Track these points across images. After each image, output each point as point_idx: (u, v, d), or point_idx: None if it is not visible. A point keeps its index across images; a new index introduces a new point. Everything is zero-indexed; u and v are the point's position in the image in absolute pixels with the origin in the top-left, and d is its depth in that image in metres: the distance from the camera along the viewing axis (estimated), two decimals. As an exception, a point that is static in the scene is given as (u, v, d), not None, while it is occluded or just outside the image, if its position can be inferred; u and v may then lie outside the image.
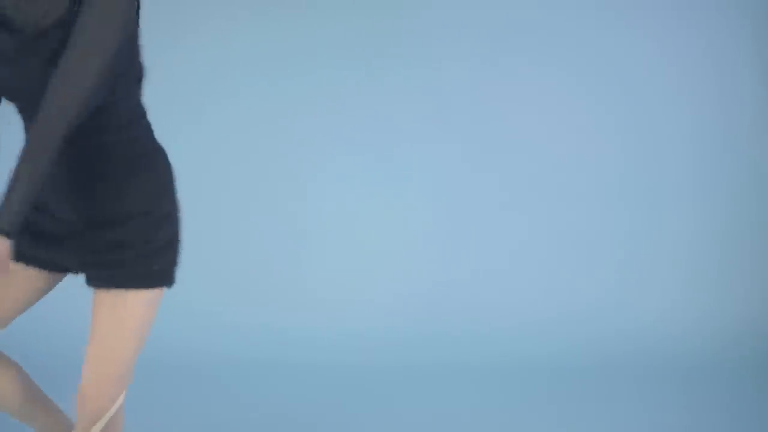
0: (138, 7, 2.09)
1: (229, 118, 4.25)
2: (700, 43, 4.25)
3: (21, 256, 2.25)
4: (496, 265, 4.23)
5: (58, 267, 2.26)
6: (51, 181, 2.18)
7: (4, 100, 2.40)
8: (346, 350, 3.96)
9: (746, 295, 4.23)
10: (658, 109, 4.27)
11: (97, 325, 2.12)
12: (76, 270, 2.24)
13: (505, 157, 4.26)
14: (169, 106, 4.24)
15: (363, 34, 4.20)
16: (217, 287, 4.24)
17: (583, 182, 4.26)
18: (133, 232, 2.15)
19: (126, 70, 2.09)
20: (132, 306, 2.13)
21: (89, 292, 4.18)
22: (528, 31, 4.22)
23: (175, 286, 4.17)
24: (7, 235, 1.96)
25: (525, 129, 4.25)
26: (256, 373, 3.85)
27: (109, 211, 2.15)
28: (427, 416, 3.40)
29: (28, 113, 2.12)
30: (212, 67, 4.19)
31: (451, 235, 4.25)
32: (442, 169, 4.26)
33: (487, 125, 4.25)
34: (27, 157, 1.96)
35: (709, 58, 4.26)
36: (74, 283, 4.21)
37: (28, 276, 2.25)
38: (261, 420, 3.33)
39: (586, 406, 3.53)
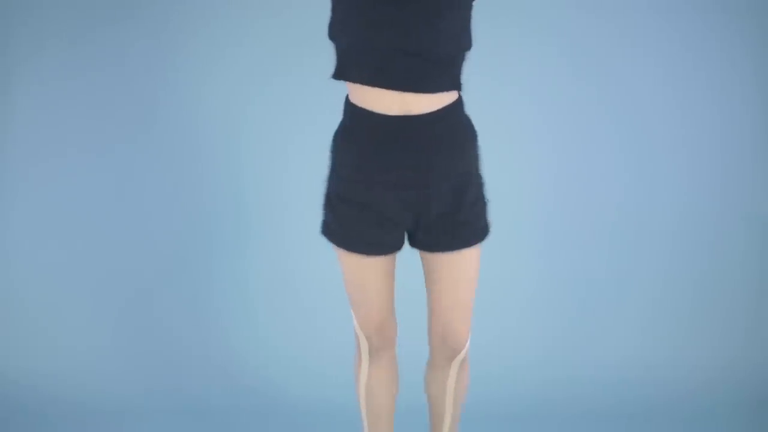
0: None
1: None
2: (693, 83, 4.21)
3: (375, 248, 2.54)
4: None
5: (401, 245, 2.59)
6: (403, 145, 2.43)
7: None
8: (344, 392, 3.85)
9: (719, 341, 4.19)
10: (643, 149, 4.22)
11: (443, 281, 2.56)
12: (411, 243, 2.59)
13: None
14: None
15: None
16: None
17: (553, 221, 4.21)
18: (472, 193, 2.51)
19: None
20: (471, 259, 2.57)
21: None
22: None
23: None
24: None
25: (502, 170, 4.19)
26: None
27: (456, 172, 2.48)
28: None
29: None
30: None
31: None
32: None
33: None
34: None
35: (708, 104, 4.21)
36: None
37: (386, 263, 2.59)
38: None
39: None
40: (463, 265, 2.57)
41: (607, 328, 4.17)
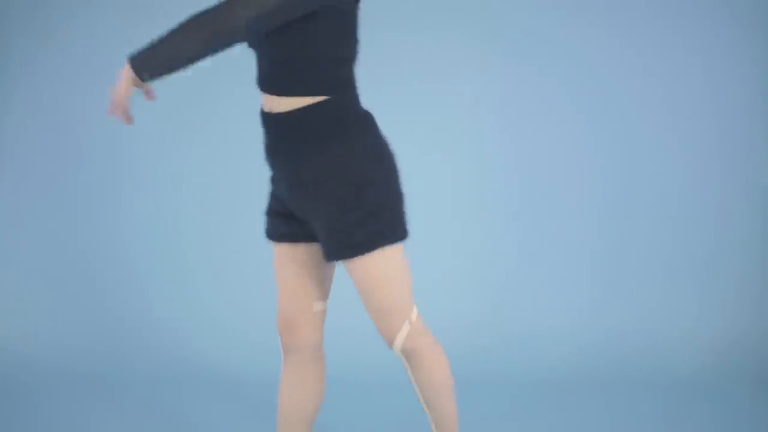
0: None
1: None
2: (693, 54, 4.24)
3: (271, 234, 2.52)
4: (474, 279, 4.24)
5: (306, 238, 2.50)
6: (272, 149, 2.40)
7: None
8: (339, 365, 3.99)
9: (730, 309, 4.21)
10: (645, 120, 4.26)
11: (355, 286, 2.45)
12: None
13: (486, 168, 4.28)
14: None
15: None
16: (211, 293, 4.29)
17: (562, 194, 4.26)
18: (336, 201, 2.35)
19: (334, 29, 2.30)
20: (365, 269, 2.39)
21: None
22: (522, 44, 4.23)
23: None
24: (141, 77, 2.17)
25: (507, 141, 4.27)
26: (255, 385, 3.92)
27: (302, 182, 2.37)
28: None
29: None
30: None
31: (423, 249, 4.19)
32: (420, 179, 4.24)
33: (466, 135, 4.27)
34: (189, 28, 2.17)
35: (702, 68, 4.24)
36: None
37: (292, 252, 2.51)
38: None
39: (568, 421, 3.56)
40: (355, 275, 2.42)
41: (617, 301, 4.21)
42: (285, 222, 2.50)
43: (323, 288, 2.56)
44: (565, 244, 4.25)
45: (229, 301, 4.25)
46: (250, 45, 2.41)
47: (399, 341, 2.46)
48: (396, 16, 4.22)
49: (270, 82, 2.39)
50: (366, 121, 2.40)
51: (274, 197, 2.52)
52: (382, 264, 2.38)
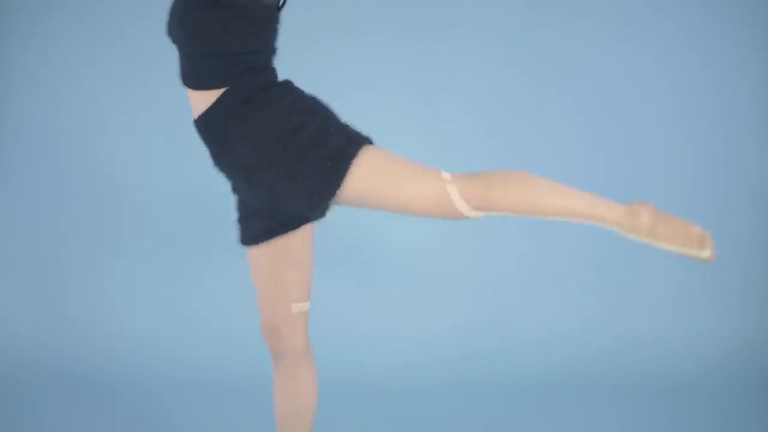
0: None
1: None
2: (696, 54, 4.25)
3: (246, 239, 2.51)
4: (481, 285, 4.24)
5: (281, 227, 2.47)
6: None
7: None
8: (345, 370, 3.99)
9: (734, 313, 4.22)
10: (649, 122, 4.27)
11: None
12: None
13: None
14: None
15: (352, 45, 4.21)
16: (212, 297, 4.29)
17: None
18: (277, 174, 2.33)
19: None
20: (357, 195, 2.33)
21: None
22: (520, 45, 4.23)
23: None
24: None
25: (509, 143, 4.26)
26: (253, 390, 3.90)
27: (246, 168, 2.36)
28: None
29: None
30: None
31: (424, 251, 4.23)
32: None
33: (469, 140, 4.27)
34: None
35: (704, 69, 4.25)
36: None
37: (268, 251, 2.50)
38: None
39: (573, 425, 3.57)
40: (361, 204, 2.39)
41: (619, 305, 4.23)
42: (257, 219, 2.48)
43: (302, 288, 2.54)
44: (566, 248, 4.25)
45: (228, 302, 4.24)
46: (173, 41, 2.43)
47: (464, 211, 2.40)
48: (392, 18, 4.23)
49: (185, 75, 2.43)
50: (270, 90, 2.38)
51: (240, 202, 2.51)
52: (367, 179, 2.32)
